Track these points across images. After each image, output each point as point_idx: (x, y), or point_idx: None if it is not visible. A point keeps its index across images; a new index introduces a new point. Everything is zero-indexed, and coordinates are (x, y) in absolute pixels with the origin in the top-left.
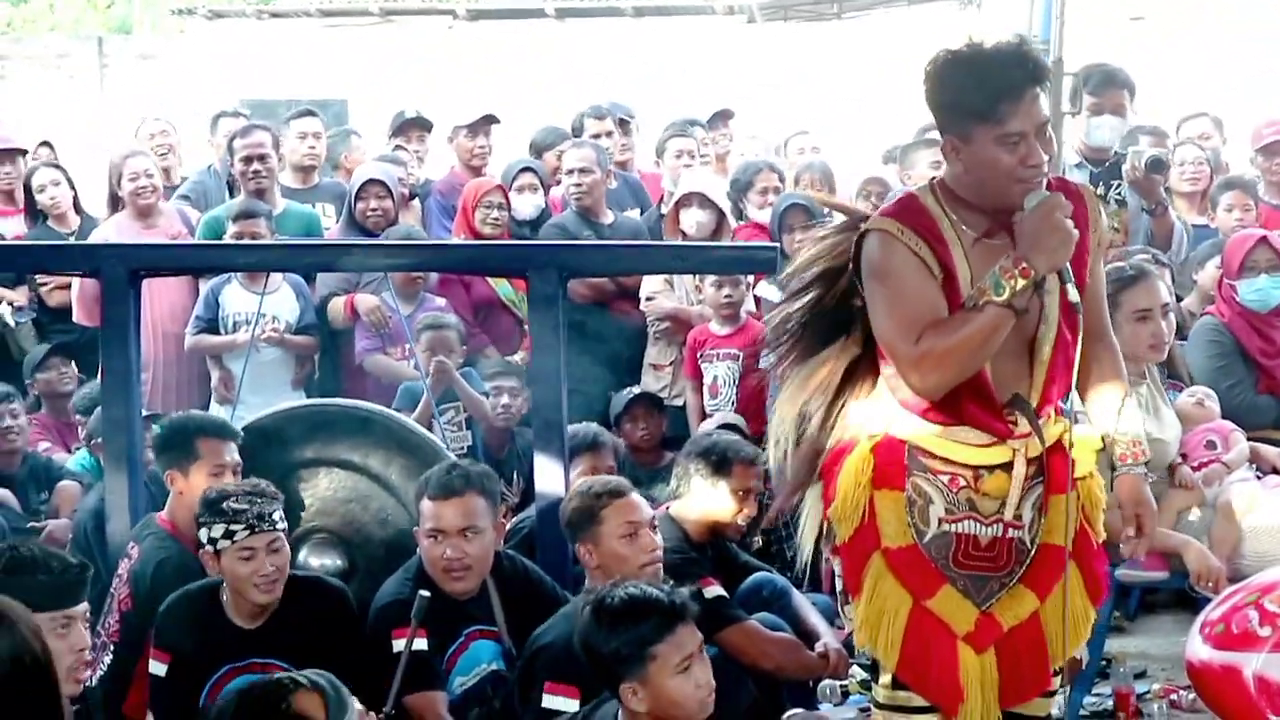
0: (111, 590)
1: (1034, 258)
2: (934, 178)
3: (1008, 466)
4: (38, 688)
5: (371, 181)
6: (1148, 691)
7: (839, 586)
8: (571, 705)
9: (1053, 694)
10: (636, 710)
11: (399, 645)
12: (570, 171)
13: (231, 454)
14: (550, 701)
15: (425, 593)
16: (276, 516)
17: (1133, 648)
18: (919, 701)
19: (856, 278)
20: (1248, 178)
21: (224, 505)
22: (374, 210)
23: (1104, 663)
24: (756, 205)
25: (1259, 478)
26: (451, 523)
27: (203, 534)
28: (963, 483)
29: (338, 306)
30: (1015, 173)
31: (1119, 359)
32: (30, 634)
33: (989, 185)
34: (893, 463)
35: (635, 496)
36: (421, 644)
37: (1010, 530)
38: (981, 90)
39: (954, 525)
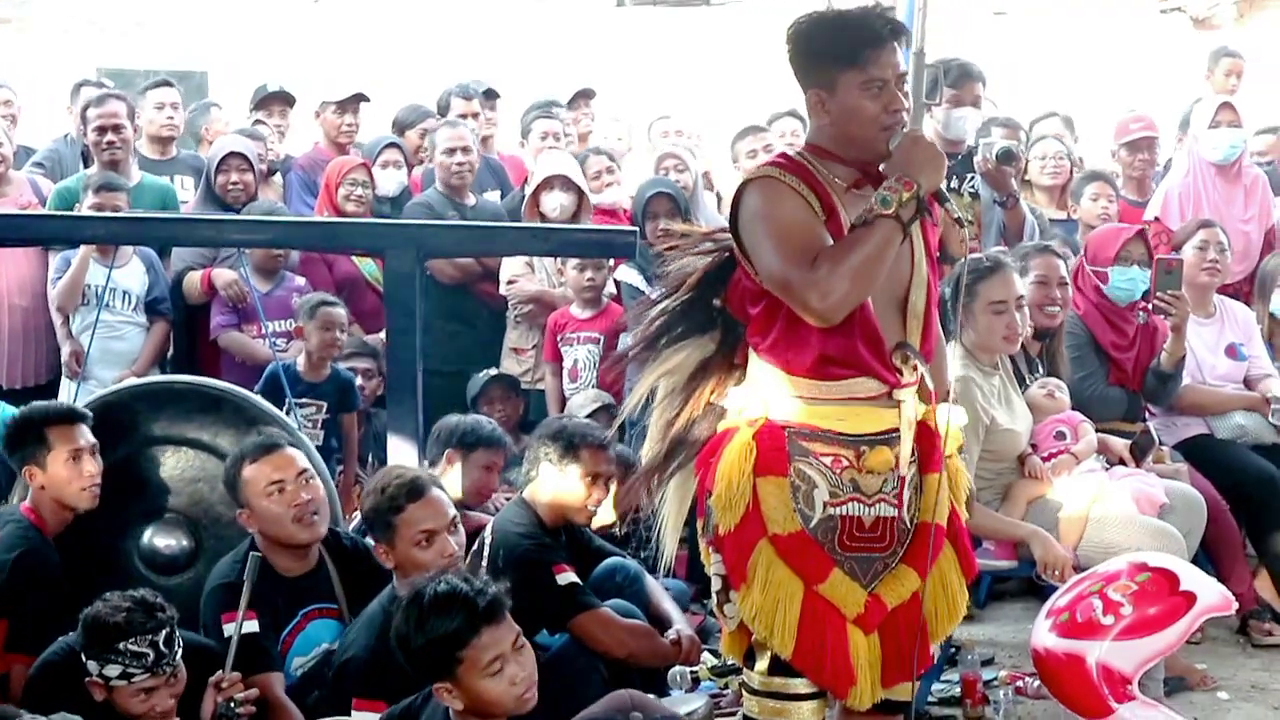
0: None
1: (914, 175)
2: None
3: (889, 441)
4: None
5: (232, 154)
6: (995, 678)
7: (715, 583)
8: None
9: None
10: (454, 707)
11: (230, 630)
12: (451, 150)
13: (85, 436)
14: (359, 719)
15: (256, 552)
16: (176, 642)
17: (981, 635)
18: (797, 687)
19: (735, 238)
20: (1108, 171)
21: (121, 645)
22: (234, 184)
23: (953, 650)
24: (594, 191)
25: (1107, 468)
26: (289, 471)
27: (92, 666)
28: (845, 463)
29: (194, 281)
30: (879, 119)
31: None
32: None
33: (855, 134)
34: (775, 449)
35: (434, 496)
36: (253, 626)
37: (891, 509)
38: (846, 38)
39: (839, 508)
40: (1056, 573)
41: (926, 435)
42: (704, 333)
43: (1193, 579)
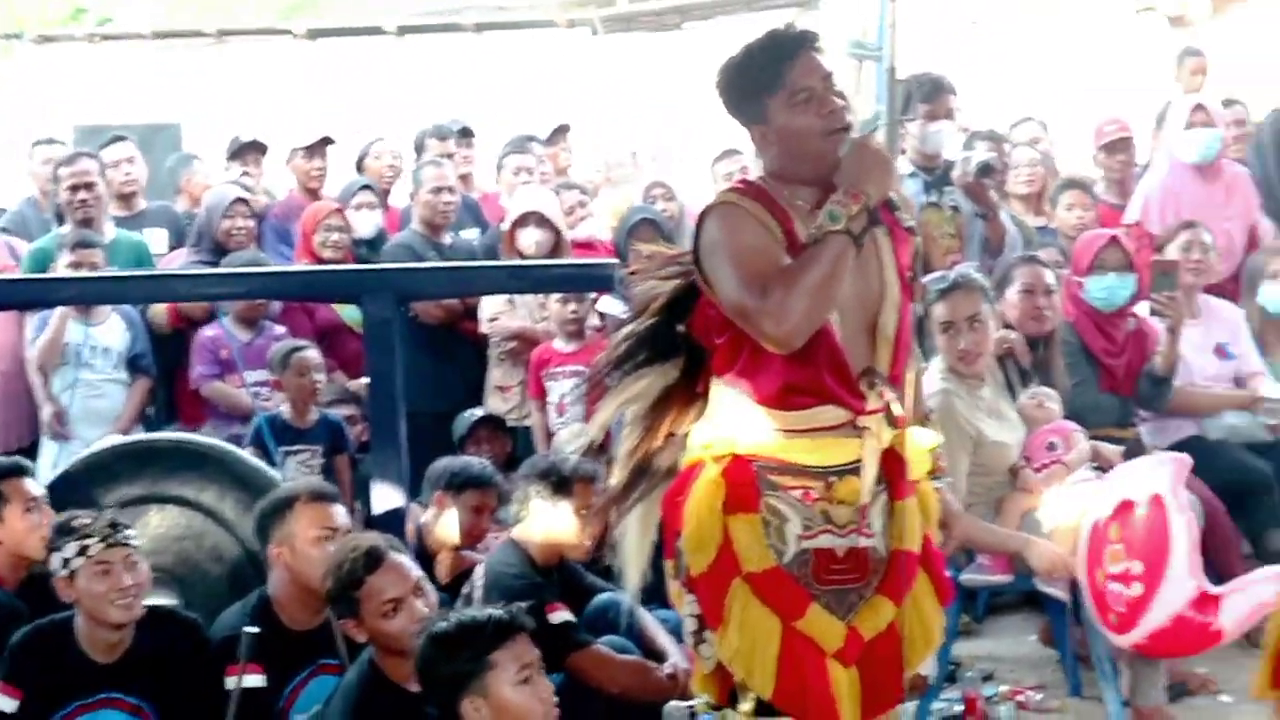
0: None
1: (861, 185)
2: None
3: (858, 470)
4: None
5: (238, 200)
6: (995, 694)
7: (689, 624)
8: None
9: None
10: None
11: (231, 682)
12: (437, 190)
13: (36, 488)
14: None
15: (251, 629)
16: (130, 533)
17: (980, 650)
18: None
19: (697, 267)
20: (1084, 178)
21: (74, 524)
22: (239, 229)
23: (952, 667)
24: (568, 226)
25: (1099, 476)
26: (339, 524)
27: (55, 560)
28: (815, 495)
29: (159, 309)
30: (818, 127)
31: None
32: None
33: (804, 152)
34: (744, 485)
35: (393, 562)
36: (259, 680)
37: (863, 540)
38: (759, 65)
39: (812, 541)
40: (1059, 575)
41: (895, 461)
42: (667, 359)
43: (1137, 484)
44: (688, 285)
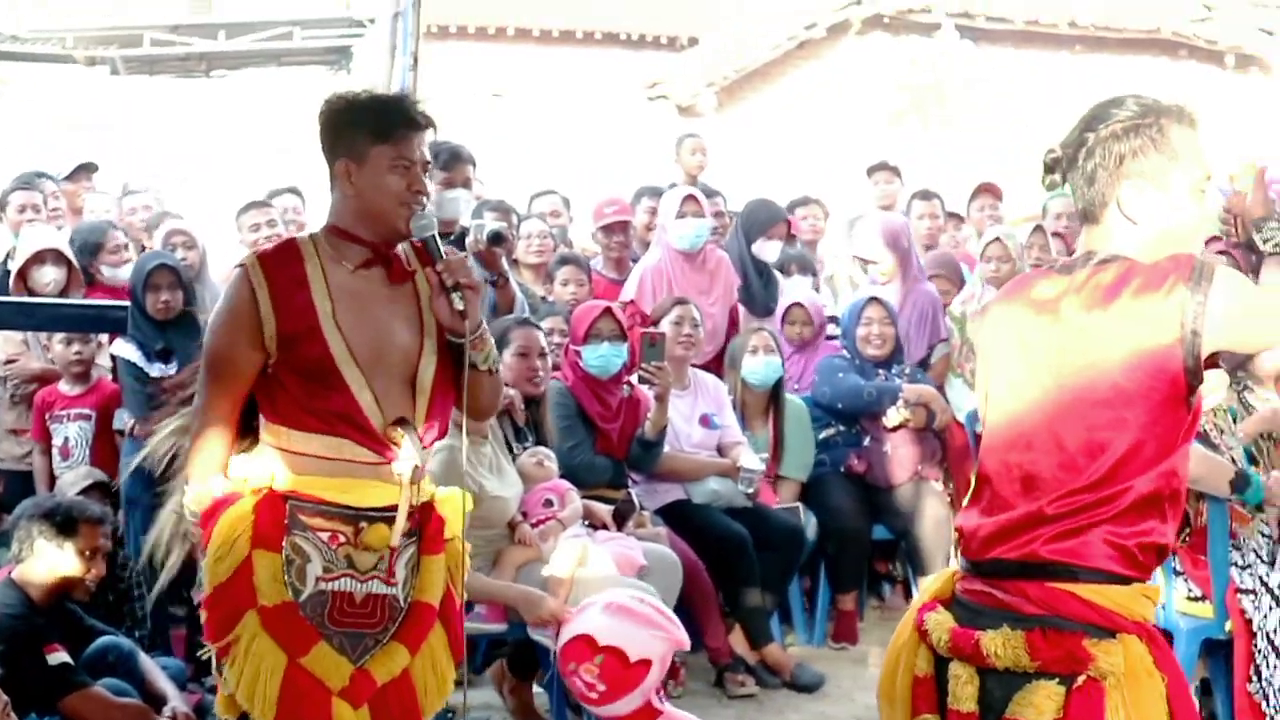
0: None
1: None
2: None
3: (389, 519)
4: None
5: None
6: None
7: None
8: None
9: None
10: None
11: None
12: None
13: None
14: None
15: None
16: None
17: (477, 699)
18: None
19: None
20: (579, 254)
21: None
22: None
23: (449, 715)
24: (111, 265)
25: (591, 533)
26: None
27: None
28: (343, 539)
29: None
30: (403, 196)
31: None
32: None
33: (378, 208)
34: (273, 523)
35: None
36: None
37: (385, 587)
38: (385, 116)
39: (331, 584)
40: (549, 630)
41: (431, 516)
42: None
43: (640, 644)
44: None
